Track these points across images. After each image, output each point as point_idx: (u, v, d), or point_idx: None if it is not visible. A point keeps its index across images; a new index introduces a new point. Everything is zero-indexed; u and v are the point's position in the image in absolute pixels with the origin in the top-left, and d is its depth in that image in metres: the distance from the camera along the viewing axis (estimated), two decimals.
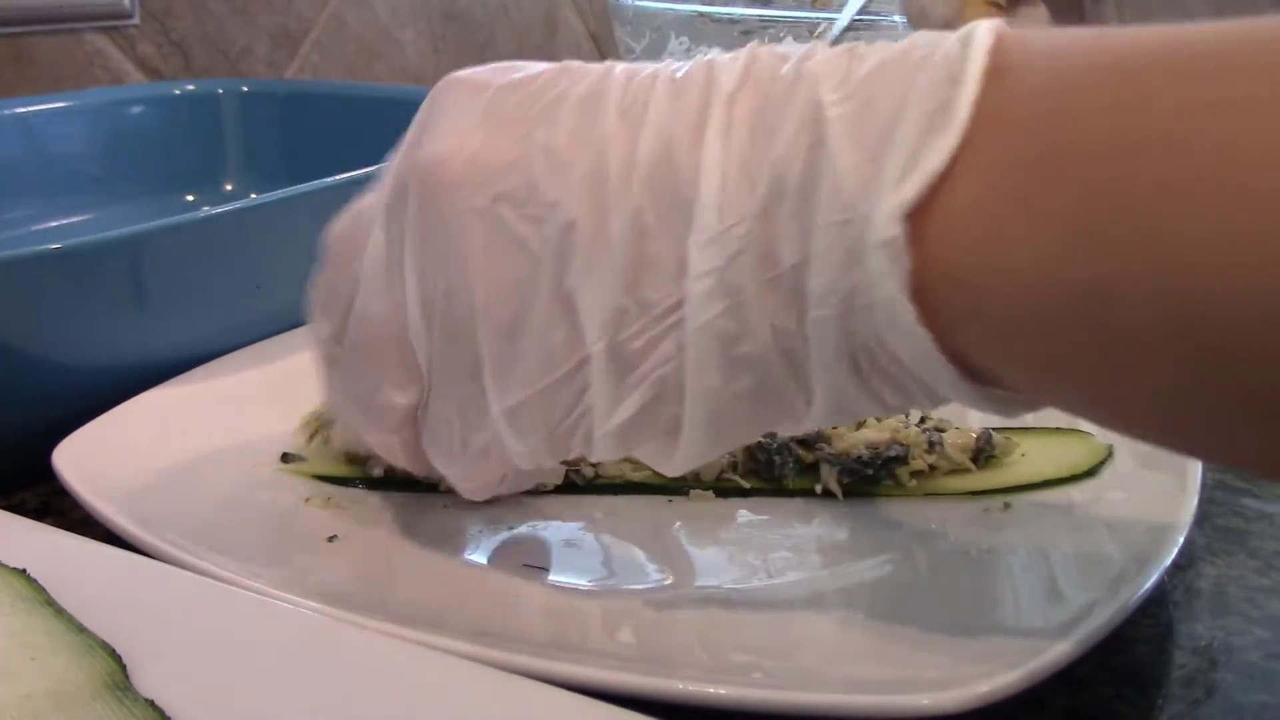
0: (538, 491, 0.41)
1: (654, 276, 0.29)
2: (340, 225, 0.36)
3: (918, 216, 0.26)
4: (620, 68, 0.32)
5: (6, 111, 0.68)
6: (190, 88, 0.76)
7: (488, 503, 0.41)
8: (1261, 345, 0.22)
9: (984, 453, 0.41)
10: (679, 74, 0.30)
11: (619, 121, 0.30)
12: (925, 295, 0.26)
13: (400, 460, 0.36)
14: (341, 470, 0.42)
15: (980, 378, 0.27)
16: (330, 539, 0.38)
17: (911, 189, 0.25)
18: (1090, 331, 0.24)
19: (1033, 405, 0.29)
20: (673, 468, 0.32)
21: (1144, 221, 0.23)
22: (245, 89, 0.77)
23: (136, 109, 0.73)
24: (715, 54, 0.31)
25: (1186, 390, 0.24)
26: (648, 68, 0.31)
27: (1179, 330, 0.23)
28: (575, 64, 0.32)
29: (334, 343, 0.35)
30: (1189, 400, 0.24)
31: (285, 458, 0.43)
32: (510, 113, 0.31)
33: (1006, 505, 0.39)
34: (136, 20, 0.92)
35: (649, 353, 0.30)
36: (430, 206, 0.31)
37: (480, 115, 0.31)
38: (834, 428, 0.42)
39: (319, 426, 0.44)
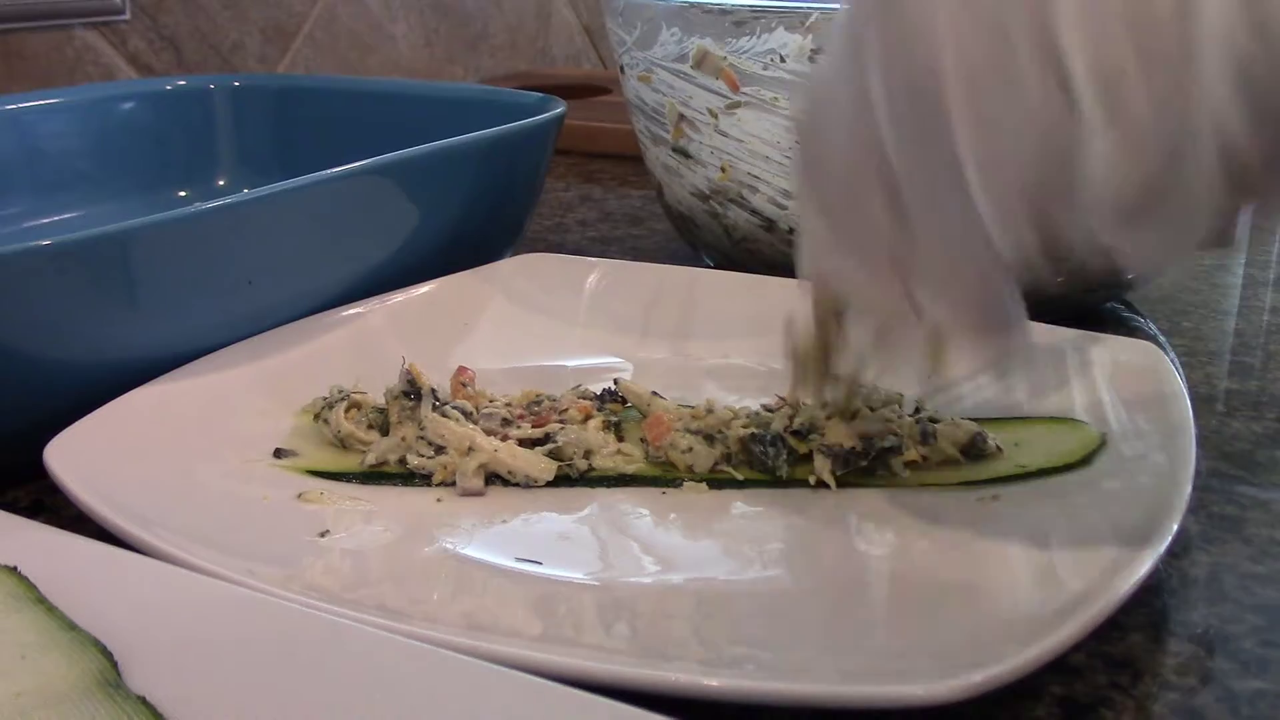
0: (531, 485, 0.41)
1: (1153, 28, 0.27)
2: (806, 109, 0.35)
3: None
4: None
5: None
6: (182, 83, 0.76)
7: (482, 496, 0.41)
8: None
9: (975, 450, 0.41)
10: None
11: None
12: None
13: (881, 302, 0.35)
14: (334, 465, 0.42)
15: None
16: (323, 534, 0.38)
17: None
18: None
19: None
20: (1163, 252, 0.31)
21: None
22: (237, 84, 0.77)
23: (128, 105, 0.73)
24: None
25: None
26: None
27: None
28: None
29: (817, 202, 0.35)
30: None
31: (278, 453, 0.43)
32: None
33: (994, 496, 0.39)
34: (127, 16, 0.91)
35: (1153, 112, 0.28)
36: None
37: None
38: (827, 418, 0.42)
39: (323, 408, 0.44)
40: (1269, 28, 0.27)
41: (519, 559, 0.37)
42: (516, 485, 0.41)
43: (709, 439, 0.42)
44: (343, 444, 0.44)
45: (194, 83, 0.76)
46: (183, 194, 0.72)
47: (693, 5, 0.56)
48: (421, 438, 0.42)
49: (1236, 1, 0.27)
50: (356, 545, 0.37)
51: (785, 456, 0.41)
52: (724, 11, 0.55)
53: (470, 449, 0.41)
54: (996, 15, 0.29)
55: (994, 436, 0.42)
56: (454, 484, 0.41)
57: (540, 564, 0.37)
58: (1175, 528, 0.34)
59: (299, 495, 0.40)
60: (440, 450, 0.42)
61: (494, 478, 0.42)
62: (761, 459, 0.41)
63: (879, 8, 0.31)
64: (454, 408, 0.44)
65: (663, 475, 0.42)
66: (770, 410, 0.44)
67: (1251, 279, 0.68)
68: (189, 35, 0.96)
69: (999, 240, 0.31)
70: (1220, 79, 0.27)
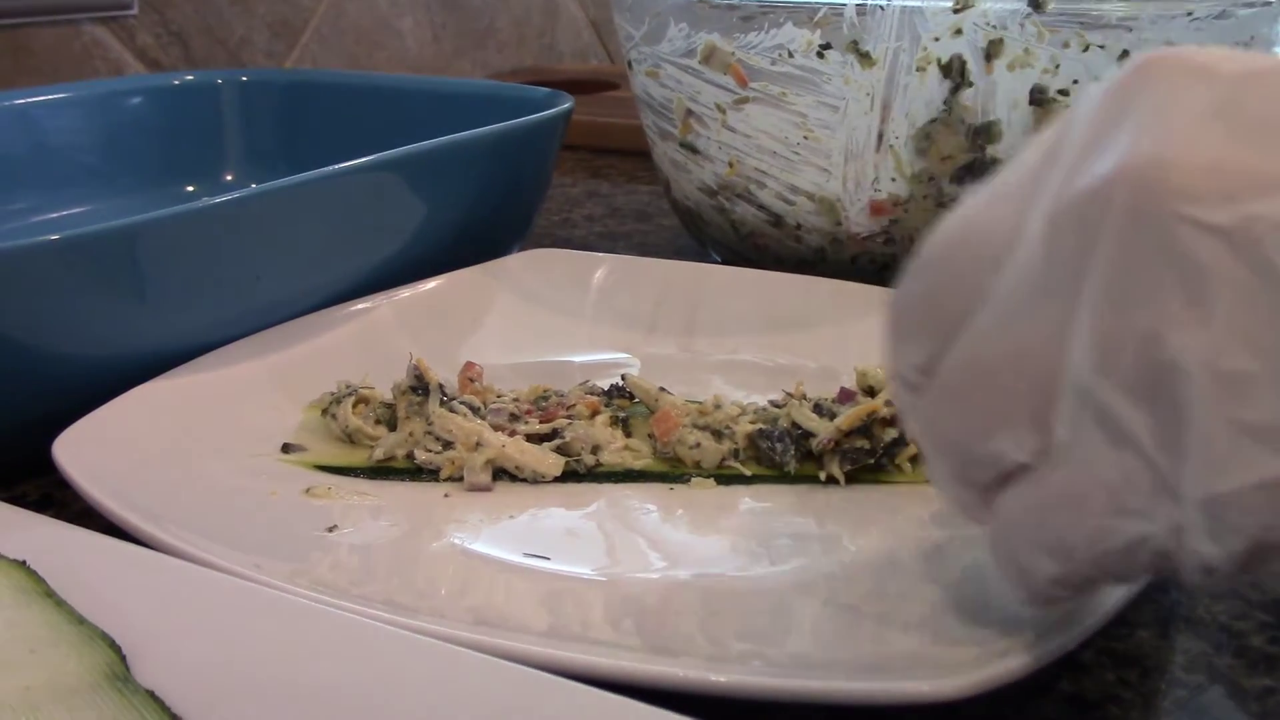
0: (539, 480, 0.41)
1: None
2: (955, 230, 0.28)
3: None
4: None
5: (5, 103, 0.67)
6: (189, 78, 0.76)
7: (489, 492, 0.41)
8: None
9: None
10: None
11: None
12: None
13: (968, 516, 0.30)
14: (342, 460, 0.42)
15: None
16: (330, 529, 0.38)
17: None
18: None
19: None
20: None
21: None
22: (245, 79, 0.77)
23: (136, 100, 0.73)
24: None
25: None
26: None
27: None
28: None
29: (924, 369, 0.28)
30: None
31: (286, 448, 0.43)
32: (1259, 111, 0.24)
33: None
34: (135, 11, 0.91)
35: None
36: (1144, 221, 0.24)
37: (1214, 110, 0.24)
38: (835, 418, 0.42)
39: (331, 403, 0.44)
40: None
41: (526, 554, 0.37)
42: (524, 481, 0.41)
43: (717, 435, 0.42)
44: (350, 439, 0.44)
45: (202, 78, 0.76)
46: (190, 189, 0.72)
47: (701, 0, 0.56)
48: (429, 433, 0.42)
49: None
50: (364, 540, 0.37)
51: (793, 452, 0.41)
52: (732, 6, 0.55)
53: (478, 444, 0.41)
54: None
55: None
56: (461, 479, 0.41)
57: (548, 559, 0.36)
58: None
59: (307, 490, 0.40)
60: (448, 445, 0.42)
61: (501, 473, 0.42)
62: (769, 455, 0.41)
63: (1123, 220, 0.24)
64: (461, 403, 0.44)
65: (670, 471, 0.42)
66: (778, 406, 0.44)
67: None
68: (197, 30, 0.96)
69: (1196, 552, 0.24)
70: None
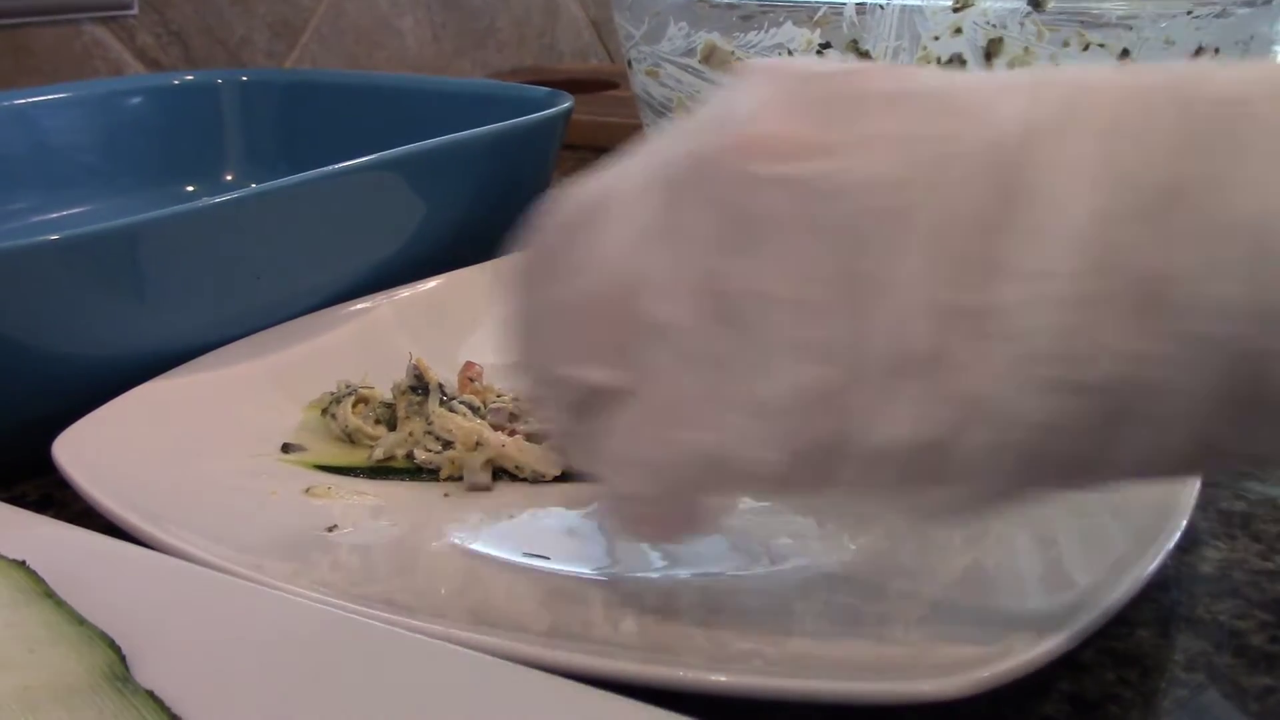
0: (539, 480, 0.41)
1: (971, 276, 0.25)
2: (584, 192, 0.31)
3: None
4: (928, 70, 0.29)
5: (5, 103, 0.67)
6: (189, 78, 0.76)
7: (488, 492, 0.41)
8: None
9: None
10: (1014, 78, 0.28)
11: (949, 115, 0.27)
12: None
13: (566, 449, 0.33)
14: (342, 460, 0.42)
15: None
16: (330, 529, 0.38)
17: None
18: None
19: None
20: (943, 513, 0.28)
21: None
22: (245, 79, 0.77)
23: (136, 100, 0.73)
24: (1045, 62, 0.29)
25: None
26: (962, 74, 0.29)
27: None
28: (869, 64, 0.30)
29: (535, 301, 0.32)
30: None
31: (286, 448, 0.43)
32: (820, 97, 0.28)
33: None
34: (135, 11, 0.91)
35: (955, 363, 0.26)
36: (733, 180, 0.28)
37: (788, 98, 0.28)
38: None
39: (330, 402, 0.44)
40: None
41: (526, 554, 0.37)
42: (524, 480, 0.41)
43: None
44: (350, 439, 0.44)
45: (202, 78, 0.76)
46: (190, 189, 0.72)
47: (700, 0, 0.56)
48: (429, 432, 0.42)
49: None
50: (364, 540, 0.37)
51: None
52: (731, 6, 0.55)
53: (478, 444, 0.41)
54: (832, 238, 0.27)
55: None
56: (461, 479, 0.41)
57: (548, 559, 0.36)
58: (1184, 524, 0.34)
59: (306, 490, 0.40)
60: (448, 445, 0.42)
61: (501, 472, 0.42)
62: None
63: (719, 181, 0.28)
64: (461, 403, 0.44)
65: None
66: None
67: None
68: (197, 30, 0.96)
69: (743, 455, 0.28)
70: None
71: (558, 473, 0.41)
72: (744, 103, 0.29)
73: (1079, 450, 0.26)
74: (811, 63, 0.31)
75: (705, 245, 0.28)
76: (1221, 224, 0.24)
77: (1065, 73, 0.28)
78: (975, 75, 0.30)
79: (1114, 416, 0.25)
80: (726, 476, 0.28)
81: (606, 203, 0.30)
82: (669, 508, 0.30)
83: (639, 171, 0.30)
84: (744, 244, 0.27)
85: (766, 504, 0.40)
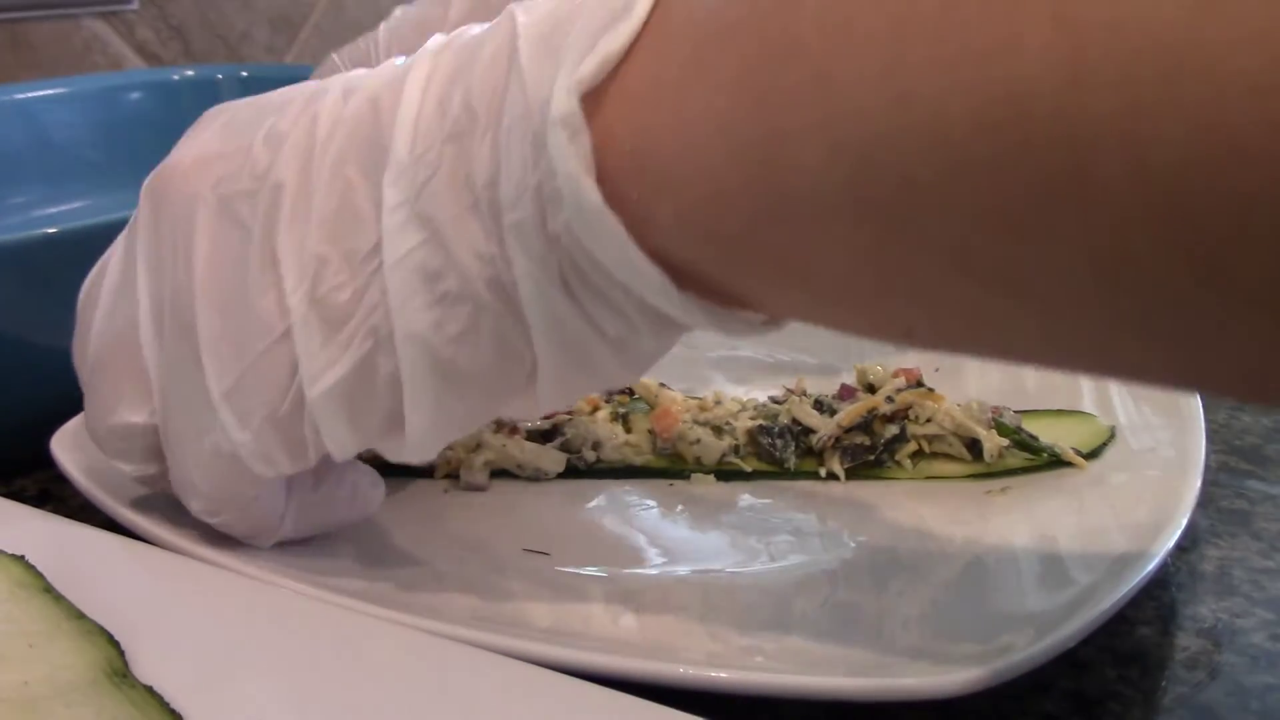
0: (538, 478, 0.41)
1: (355, 223, 0.29)
2: (89, 279, 0.35)
3: (596, 98, 0.25)
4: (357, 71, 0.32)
5: (5, 98, 0.67)
6: (189, 73, 0.76)
7: (487, 489, 0.41)
8: (929, 179, 0.21)
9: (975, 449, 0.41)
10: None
11: (336, 97, 0.30)
12: (612, 179, 0.25)
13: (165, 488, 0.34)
14: None
15: (702, 289, 0.26)
16: None
17: (588, 68, 0.25)
18: (767, 194, 0.24)
19: (770, 321, 0.28)
20: (408, 449, 0.30)
21: (808, 69, 0.22)
22: (245, 74, 0.76)
23: (135, 95, 0.73)
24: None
25: (865, 248, 0.23)
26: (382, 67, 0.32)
27: (850, 180, 0.22)
28: (316, 82, 0.33)
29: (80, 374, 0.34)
30: (874, 259, 0.23)
31: None
32: (244, 118, 0.32)
33: (1003, 489, 0.39)
34: (135, 5, 0.91)
35: (356, 302, 0.29)
36: (160, 206, 0.32)
37: (218, 127, 0.32)
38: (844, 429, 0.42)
39: None
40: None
41: (526, 550, 0.37)
42: (525, 479, 0.41)
43: (717, 431, 0.42)
44: None
45: (202, 73, 0.76)
46: None
47: None
48: None
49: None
50: (362, 536, 0.37)
51: (794, 448, 0.41)
52: None
53: (478, 445, 0.41)
54: (242, 231, 0.30)
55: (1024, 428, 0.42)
56: (457, 476, 0.41)
57: (547, 555, 0.36)
58: (1184, 522, 0.34)
59: None
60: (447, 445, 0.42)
61: (502, 469, 0.42)
62: (770, 451, 0.41)
63: (149, 204, 0.32)
64: None
65: (671, 467, 0.42)
66: (778, 402, 0.44)
67: None
68: (197, 25, 0.96)
69: (257, 467, 0.31)
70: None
71: (560, 469, 0.41)
72: (189, 134, 0.33)
73: (485, 365, 0.29)
74: (242, 104, 0.34)
75: (157, 275, 0.31)
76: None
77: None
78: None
79: (491, 317, 0.28)
80: (243, 467, 0.31)
81: (103, 270, 0.34)
82: (240, 508, 0.32)
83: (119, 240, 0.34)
84: (182, 256, 0.31)
85: (766, 500, 0.40)
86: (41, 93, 0.69)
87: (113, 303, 0.33)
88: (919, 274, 0.23)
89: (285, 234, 0.29)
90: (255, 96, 0.34)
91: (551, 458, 0.41)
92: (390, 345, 0.29)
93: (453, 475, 0.41)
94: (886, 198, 0.22)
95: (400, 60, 0.30)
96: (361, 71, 0.31)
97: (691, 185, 0.25)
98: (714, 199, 0.25)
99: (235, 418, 0.30)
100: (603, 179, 0.25)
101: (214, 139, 0.32)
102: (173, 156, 0.32)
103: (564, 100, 0.25)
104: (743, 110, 0.24)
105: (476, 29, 0.29)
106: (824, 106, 0.22)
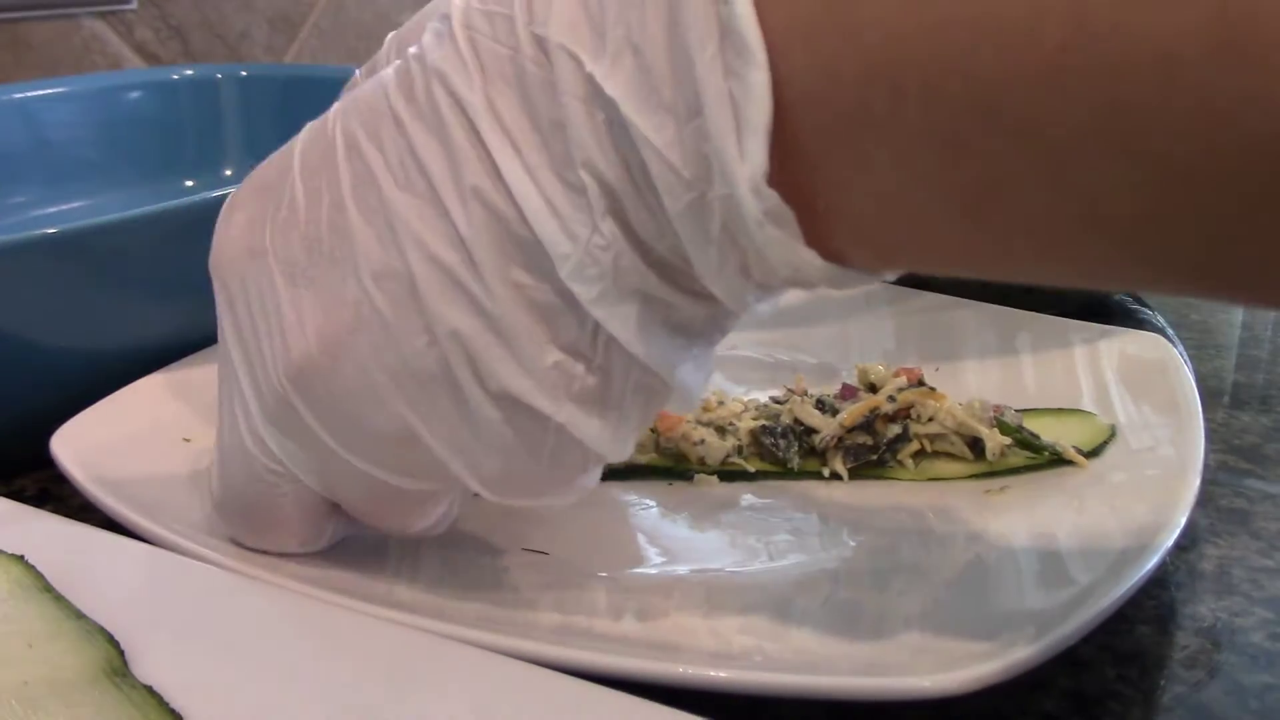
0: None
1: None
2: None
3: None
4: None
5: (4, 97, 0.67)
6: (189, 73, 0.76)
7: None
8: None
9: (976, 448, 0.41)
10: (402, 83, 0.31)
11: (345, 161, 0.32)
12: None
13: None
14: None
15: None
16: None
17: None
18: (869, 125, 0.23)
19: (875, 271, 0.27)
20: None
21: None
22: (244, 74, 0.76)
23: (135, 94, 0.73)
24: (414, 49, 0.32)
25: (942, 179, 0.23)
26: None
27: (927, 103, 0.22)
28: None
29: None
30: (976, 187, 0.23)
31: None
32: (267, 180, 0.34)
33: (1002, 488, 0.39)
34: (134, 5, 0.91)
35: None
36: (220, 283, 0.33)
37: (249, 190, 0.34)
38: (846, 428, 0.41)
39: None
40: None
41: (525, 550, 0.37)
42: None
43: (720, 431, 0.42)
44: None
45: (201, 72, 0.76)
46: (189, 184, 0.72)
47: None
48: None
49: None
50: (363, 537, 0.37)
51: (796, 448, 0.41)
52: None
53: None
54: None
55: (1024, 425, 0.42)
56: None
57: (547, 555, 0.36)
58: (1183, 521, 0.34)
59: None
60: None
61: None
62: (772, 451, 0.41)
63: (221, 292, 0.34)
64: None
65: (674, 467, 0.42)
66: (780, 402, 0.44)
67: None
68: (196, 25, 0.96)
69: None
70: None
71: None
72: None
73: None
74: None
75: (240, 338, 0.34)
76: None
77: None
78: None
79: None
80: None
81: None
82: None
83: None
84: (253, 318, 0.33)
85: (768, 500, 0.40)
86: (41, 92, 0.69)
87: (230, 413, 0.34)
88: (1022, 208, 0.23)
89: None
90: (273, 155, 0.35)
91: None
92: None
93: None
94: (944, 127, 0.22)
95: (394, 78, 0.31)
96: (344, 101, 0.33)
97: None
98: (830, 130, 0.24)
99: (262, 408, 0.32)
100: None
101: (244, 209, 0.34)
102: (215, 236, 0.34)
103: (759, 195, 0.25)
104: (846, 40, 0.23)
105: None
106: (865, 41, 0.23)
